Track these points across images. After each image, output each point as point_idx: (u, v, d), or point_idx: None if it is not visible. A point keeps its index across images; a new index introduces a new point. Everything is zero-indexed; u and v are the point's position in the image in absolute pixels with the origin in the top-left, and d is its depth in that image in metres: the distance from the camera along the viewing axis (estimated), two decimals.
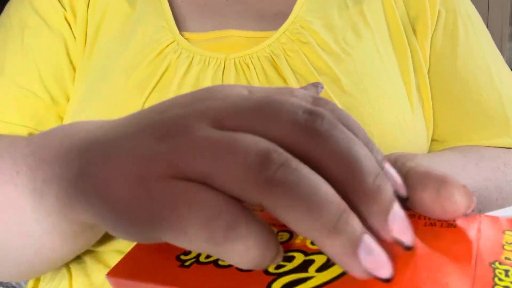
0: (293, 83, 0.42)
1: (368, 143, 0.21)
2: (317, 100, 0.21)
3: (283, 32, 0.45)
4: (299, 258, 0.22)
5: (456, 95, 0.49)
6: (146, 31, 0.47)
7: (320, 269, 0.21)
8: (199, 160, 0.19)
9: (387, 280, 0.18)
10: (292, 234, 0.24)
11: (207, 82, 0.43)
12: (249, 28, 0.47)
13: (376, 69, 0.45)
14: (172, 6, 0.49)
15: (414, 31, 0.48)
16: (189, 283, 0.22)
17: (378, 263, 0.18)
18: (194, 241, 0.19)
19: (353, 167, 0.19)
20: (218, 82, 0.43)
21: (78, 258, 0.43)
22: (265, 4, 0.49)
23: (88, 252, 0.42)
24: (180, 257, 0.24)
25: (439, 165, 0.42)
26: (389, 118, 0.43)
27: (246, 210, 0.19)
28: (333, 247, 0.18)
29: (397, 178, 0.21)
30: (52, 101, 0.47)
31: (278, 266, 0.22)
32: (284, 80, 0.43)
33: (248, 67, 0.44)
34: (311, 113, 0.19)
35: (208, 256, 0.24)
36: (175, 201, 0.19)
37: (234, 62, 0.44)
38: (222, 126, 0.20)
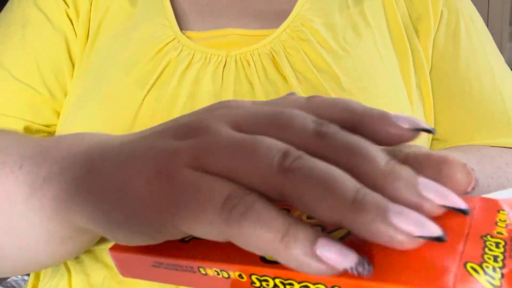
0: (292, 80, 0.42)
1: (365, 110, 0.22)
2: (309, 99, 0.23)
3: (284, 30, 0.46)
4: None
5: (458, 95, 0.49)
6: (147, 29, 0.47)
7: None
8: (222, 155, 0.20)
9: (439, 239, 0.18)
10: (289, 211, 0.24)
11: (207, 79, 0.43)
12: (250, 27, 0.47)
13: (375, 68, 0.45)
14: (174, 5, 0.49)
15: (416, 31, 0.49)
16: (188, 256, 0.23)
17: (415, 220, 0.18)
18: (214, 223, 0.19)
19: (364, 155, 0.20)
20: (218, 78, 0.43)
21: (76, 257, 0.43)
22: (267, 3, 0.49)
23: (87, 251, 0.42)
24: None
25: None
26: None
27: (262, 197, 0.20)
28: (359, 220, 0.18)
29: (408, 120, 0.22)
30: (50, 96, 0.47)
31: None
32: (284, 77, 0.43)
33: (249, 63, 0.44)
34: (318, 123, 0.21)
35: None
36: (198, 187, 0.20)
37: (235, 59, 0.44)
38: (241, 130, 0.22)
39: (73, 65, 0.48)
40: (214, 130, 0.21)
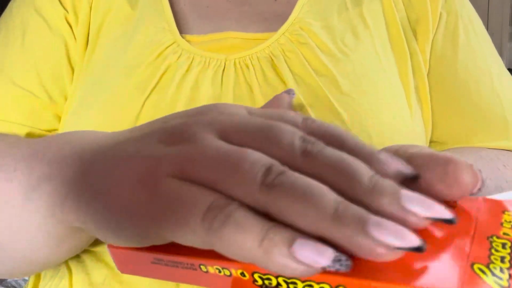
0: (291, 84, 0.42)
1: (356, 145, 0.22)
2: (305, 121, 0.23)
3: (283, 33, 0.46)
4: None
5: (456, 97, 0.49)
6: (146, 33, 0.47)
7: None
8: (206, 166, 0.21)
9: (418, 249, 0.18)
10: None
11: (206, 83, 0.43)
12: (249, 30, 0.47)
13: (374, 71, 0.45)
14: (174, 9, 0.49)
15: (414, 33, 0.49)
16: (189, 253, 0.23)
17: (394, 232, 0.18)
18: (197, 232, 0.20)
19: (348, 172, 0.20)
20: (218, 82, 0.43)
21: (78, 257, 0.43)
22: (266, 6, 0.50)
23: (88, 251, 0.42)
24: None
25: None
26: (387, 119, 0.43)
27: (243, 206, 0.20)
28: (340, 232, 0.18)
29: (398, 161, 0.22)
30: (50, 101, 0.48)
31: None
32: (283, 81, 0.43)
33: (248, 67, 0.44)
34: (305, 140, 0.21)
35: None
36: (181, 197, 0.20)
37: (234, 63, 0.44)
38: (227, 140, 0.22)
39: (72, 69, 0.49)
40: (200, 139, 0.22)
